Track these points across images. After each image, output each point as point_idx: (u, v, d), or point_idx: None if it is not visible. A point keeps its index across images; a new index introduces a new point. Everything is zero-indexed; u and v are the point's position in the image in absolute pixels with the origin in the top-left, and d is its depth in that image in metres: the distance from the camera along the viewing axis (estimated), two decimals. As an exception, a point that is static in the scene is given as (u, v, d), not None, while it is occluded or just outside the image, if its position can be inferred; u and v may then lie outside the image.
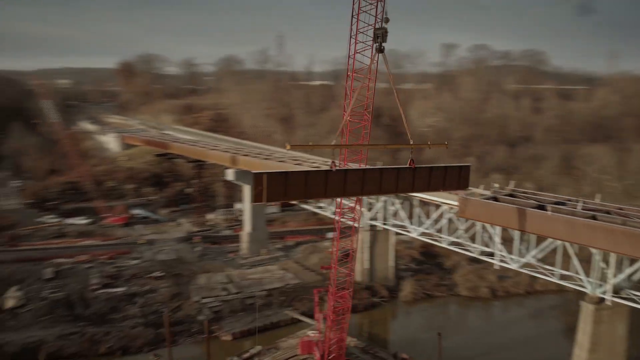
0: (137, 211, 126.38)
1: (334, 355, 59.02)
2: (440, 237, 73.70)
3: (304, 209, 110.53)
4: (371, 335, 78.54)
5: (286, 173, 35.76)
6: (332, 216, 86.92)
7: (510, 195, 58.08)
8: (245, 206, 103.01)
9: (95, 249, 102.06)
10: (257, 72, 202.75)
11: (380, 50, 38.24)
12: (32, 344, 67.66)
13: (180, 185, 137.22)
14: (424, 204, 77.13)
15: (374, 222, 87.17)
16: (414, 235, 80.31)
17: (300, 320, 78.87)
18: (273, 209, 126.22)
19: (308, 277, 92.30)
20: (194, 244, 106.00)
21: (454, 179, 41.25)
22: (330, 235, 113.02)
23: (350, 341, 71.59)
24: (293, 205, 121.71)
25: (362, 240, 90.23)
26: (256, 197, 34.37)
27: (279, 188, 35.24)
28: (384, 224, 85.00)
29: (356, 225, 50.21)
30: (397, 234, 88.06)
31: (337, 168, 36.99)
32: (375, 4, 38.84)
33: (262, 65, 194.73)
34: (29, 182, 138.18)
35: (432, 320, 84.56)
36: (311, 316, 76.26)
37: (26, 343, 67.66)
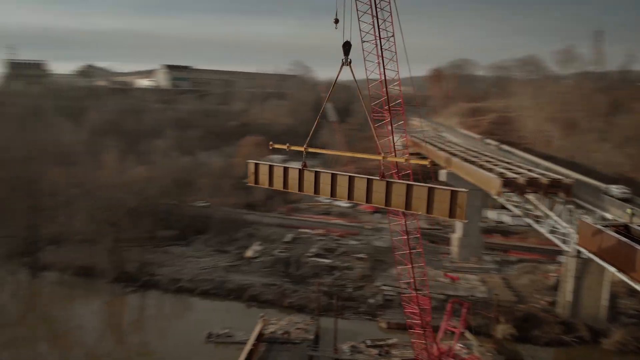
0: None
1: None
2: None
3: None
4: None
5: (270, 165, 41.76)
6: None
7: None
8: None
9: (334, 227, 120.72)
10: (558, 73, 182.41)
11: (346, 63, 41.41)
12: (244, 285, 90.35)
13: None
14: None
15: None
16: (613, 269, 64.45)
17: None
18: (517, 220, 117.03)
19: (502, 296, 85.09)
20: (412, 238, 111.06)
21: (442, 204, 36.76)
22: (561, 258, 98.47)
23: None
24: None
25: (566, 267, 77.19)
26: (249, 180, 42.39)
27: (264, 176, 41.69)
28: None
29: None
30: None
31: (308, 168, 40.42)
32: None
33: (566, 65, 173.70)
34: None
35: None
36: (471, 331, 73.02)
37: (241, 284, 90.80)
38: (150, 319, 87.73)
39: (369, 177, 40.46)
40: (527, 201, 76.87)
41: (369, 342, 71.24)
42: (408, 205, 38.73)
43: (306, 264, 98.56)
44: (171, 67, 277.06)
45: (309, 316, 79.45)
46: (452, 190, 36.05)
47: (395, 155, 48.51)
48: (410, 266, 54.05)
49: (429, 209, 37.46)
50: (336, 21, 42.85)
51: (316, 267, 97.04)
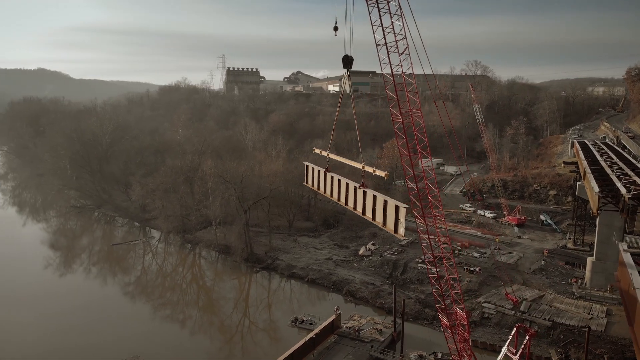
0: (543, 217, 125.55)
1: None
2: None
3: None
4: None
5: (313, 167, 49.35)
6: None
7: None
8: (597, 230, 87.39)
9: (462, 236, 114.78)
10: None
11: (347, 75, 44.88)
12: (346, 280, 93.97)
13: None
14: None
15: None
16: None
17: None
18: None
19: (623, 332, 71.82)
20: (542, 258, 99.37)
21: (391, 218, 36.19)
22: None
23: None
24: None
25: None
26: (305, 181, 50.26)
27: (310, 177, 47.64)
28: None
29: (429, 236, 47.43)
30: None
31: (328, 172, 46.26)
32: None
33: None
34: (479, 175, 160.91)
35: None
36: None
37: (344, 278, 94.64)
38: (264, 296, 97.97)
39: (356, 185, 41.82)
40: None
41: (439, 355, 68.35)
42: (374, 216, 39.02)
43: (413, 269, 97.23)
44: (354, 73, 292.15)
45: (394, 319, 79.19)
46: (396, 205, 35.38)
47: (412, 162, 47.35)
48: (436, 272, 51.40)
49: (384, 221, 37.23)
50: (335, 29, 44.92)
51: (421, 273, 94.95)
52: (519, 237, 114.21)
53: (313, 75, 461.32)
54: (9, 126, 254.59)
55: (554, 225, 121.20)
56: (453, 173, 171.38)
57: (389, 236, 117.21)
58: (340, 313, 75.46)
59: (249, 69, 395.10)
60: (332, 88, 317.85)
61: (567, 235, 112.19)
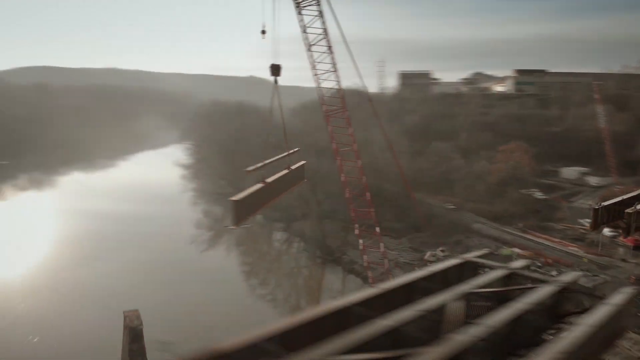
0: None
1: None
2: None
3: None
4: None
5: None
6: None
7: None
8: None
9: (553, 252, 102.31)
10: None
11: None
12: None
13: None
14: None
15: None
16: None
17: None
18: None
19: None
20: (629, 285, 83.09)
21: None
22: None
23: None
24: None
25: None
26: None
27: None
28: None
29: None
30: None
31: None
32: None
33: None
34: (621, 188, 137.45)
35: None
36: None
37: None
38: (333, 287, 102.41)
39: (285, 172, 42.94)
40: None
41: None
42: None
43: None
44: (521, 72, 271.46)
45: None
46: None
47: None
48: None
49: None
50: (263, 32, 46.11)
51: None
52: (623, 260, 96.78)
53: (497, 75, 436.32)
54: (199, 124, 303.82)
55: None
56: (595, 184, 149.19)
57: (474, 245, 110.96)
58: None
59: (421, 72, 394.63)
60: (499, 88, 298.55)
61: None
